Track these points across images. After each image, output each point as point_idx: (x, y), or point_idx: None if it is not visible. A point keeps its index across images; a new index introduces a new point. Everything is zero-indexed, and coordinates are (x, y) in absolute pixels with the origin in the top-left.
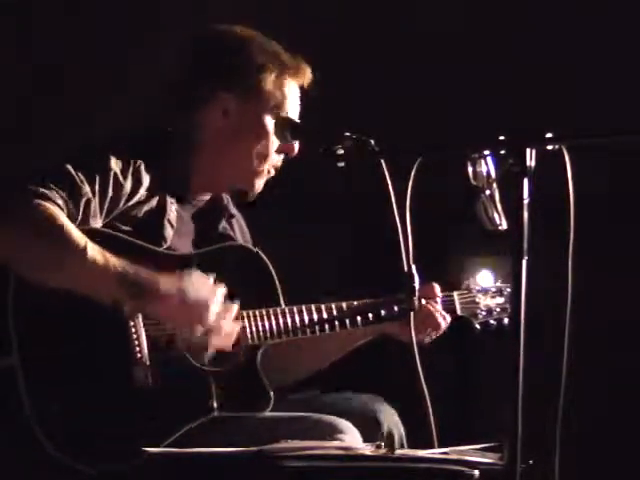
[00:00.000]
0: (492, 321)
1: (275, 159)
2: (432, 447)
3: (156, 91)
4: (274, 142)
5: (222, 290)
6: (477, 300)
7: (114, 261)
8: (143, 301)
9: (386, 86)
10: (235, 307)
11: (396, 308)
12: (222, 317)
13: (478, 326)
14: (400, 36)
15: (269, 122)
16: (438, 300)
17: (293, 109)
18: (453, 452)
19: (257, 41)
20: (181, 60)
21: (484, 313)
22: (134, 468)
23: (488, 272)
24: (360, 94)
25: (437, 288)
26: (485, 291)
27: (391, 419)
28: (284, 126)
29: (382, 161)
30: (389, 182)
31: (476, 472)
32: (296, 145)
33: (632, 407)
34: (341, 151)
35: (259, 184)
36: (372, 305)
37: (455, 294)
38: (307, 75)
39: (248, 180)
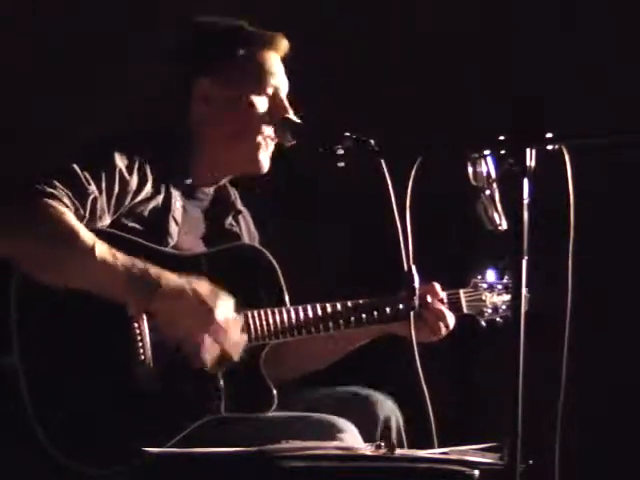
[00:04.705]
0: (498, 319)
1: (267, 131)
2: (432, 447)
3: (153, 89)
4: (260, 114)
5: (230, 301)
6: (483, 298)
7: (122, 259)
8: (149, 297)
9: (386, 86)
10: (241, 320)
11: (401, 307)
12: (227, 324)
13: (484, 324)
14: (400, 36)
15: (255, 99)
16: (444, 296)
17: (276, 81)
18: (453, 452)
19: (229, 25)
20: (164, 56)
21: (490, 311)
22: (134, 468)
23: (493, 270)
24: (360, 94)
25: (437, 287)
26: (491, 288)
27: (388, 408)
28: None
29: (382, 161)
30: (389, 182)
31: (476, 472)
32: (287, 108)
33: (632, 407)
34: (341, 151)
35: (264, 157)
36: (377, 303)
37: (461, 292)
38: (283, 44)
39: (251, 157)
